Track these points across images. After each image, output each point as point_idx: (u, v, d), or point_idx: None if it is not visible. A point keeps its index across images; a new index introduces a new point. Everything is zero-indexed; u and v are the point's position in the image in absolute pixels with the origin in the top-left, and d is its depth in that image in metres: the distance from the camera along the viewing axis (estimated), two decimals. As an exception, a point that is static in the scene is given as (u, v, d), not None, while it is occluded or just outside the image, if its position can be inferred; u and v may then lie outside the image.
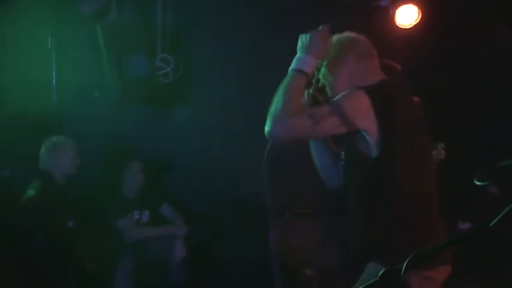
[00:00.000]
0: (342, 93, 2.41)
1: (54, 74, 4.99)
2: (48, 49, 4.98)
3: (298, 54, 2.50)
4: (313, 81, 2.63)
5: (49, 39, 4.98)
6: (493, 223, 1.29)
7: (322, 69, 2.59)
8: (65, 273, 4.30)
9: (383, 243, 2.38)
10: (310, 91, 2.64)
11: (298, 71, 2.45)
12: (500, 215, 1.29)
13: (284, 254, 5.09)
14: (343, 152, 2.59)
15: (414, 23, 4.99)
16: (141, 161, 5.24)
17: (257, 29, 5.17)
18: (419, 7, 4.96)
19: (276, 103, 2.41)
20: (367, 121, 2.33)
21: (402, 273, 1.35)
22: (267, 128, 2.40)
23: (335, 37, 2.61)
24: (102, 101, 5.05)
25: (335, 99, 2.42)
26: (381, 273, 1.37)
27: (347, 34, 2.64)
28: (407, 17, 4.99)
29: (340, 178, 2.62)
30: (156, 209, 5.23)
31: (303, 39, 2.51)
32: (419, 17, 4.97)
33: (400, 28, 4.99)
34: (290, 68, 2.49)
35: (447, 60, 5.04)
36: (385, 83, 2.48)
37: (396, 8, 4.99)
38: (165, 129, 5.36)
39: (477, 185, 1.47)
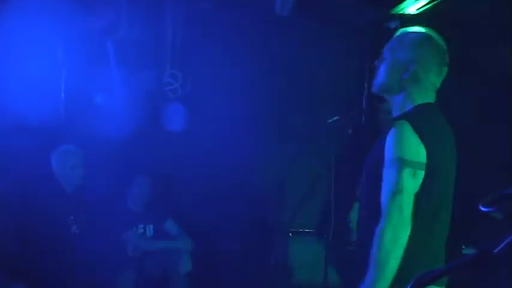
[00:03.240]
0: (392, 140, 2.35)
1: (63, 87, 5.03)
2: (58, 62, 5.02)
3: None
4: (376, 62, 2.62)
5: (59, 52, 5.02)
6: (497, 250, 1.29)
7: (384, 63, 2.55)
8: (64, 279, 4.31)
9: None
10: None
11: None
12: (505, 242, 1.29)
13: (285, 272, 5.09)
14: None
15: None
16: (147, 175, 5.26)
17: (266, 45, 5.20)
18: (429, 30, 4.98)
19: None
20: (421, 152, 2.33)
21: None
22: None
23: (415, 34, 2.55)
24: (110, 114, 5.08)
25: (389, 155, 2.34)
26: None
27: (428, 38, 2.56)
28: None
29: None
30: (161, 224, 5.23)
31: None
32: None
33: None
34: None
35: (454, 84, 5.04)
36: (426, 109, 2.47)
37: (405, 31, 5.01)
38: (171, 143, 5.38)
39: (481, 210, 1.47)
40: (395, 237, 2.28)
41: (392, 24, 5.06)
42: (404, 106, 2.50)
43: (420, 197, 2.35)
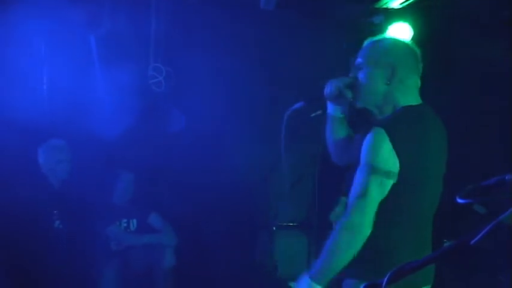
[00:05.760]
0: (367, 146, 2.39)
1: (45, 80, 5.00)
2: (40, 57, 4.99)
3: None
4: (350, 75, 2.63)
5: (42, 46, 4.99)
6: (474, 241, 1.30)
7: (363, 74, 2.56)
8: (48, 274, 4.30)
9: (361, 264, 2.40)
10: (340, 84, 2.63)
11: None
12: (482, 233, 1.30)
13: (270, 265, 5.10)
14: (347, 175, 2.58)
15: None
16: (132, 171, 5.25)
17: (250, 39, 5.20)
18: (412, 25, 5.01)
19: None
20: (392, 161, 2.37)
21: (384, 287, 1.37)
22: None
23: (388, 41, 2.60)
24: (94, 108, 5.06)
25: (362, 160, 2.38)
26: (362, 287, 1.38)
27: (401, 41, 2.61)
28: (399, 35, 5.02)
29: (348, 157, 2.63)
30: (144, 218, 5.23)
31: None
32: (412, 35, 5.01)
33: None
34: None
35: (439, 79, 5.06)
36: (408, 111, 2.48)
37: (389, 26, 5.03)
38: (156, 138, 5.36)
39: (464, 204, 1.48)
40: (350, 239, 2.34)
41: (376, 19, 5.08)
42: (387, 109, 2.52)
43: (403, 198, 2.40)
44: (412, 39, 5.01)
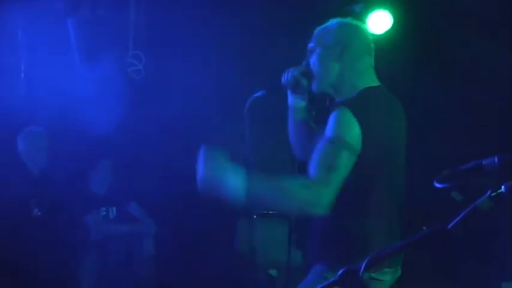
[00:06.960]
0: (334, 121, 2.35)
1: (22, 67, 4.96)
2: (18, 42, 4.94)
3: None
4: (303, 62, 2.61)
5: (19, 33, 4.93)
6: (451, 225, 1.31)
7: (314, 56, 2.55)
8: (25, 262, 4.28)
9: (331, 249, 2.42)
10: (295, 72, 2.61)
11: None
12: (458, 218, 1.31)
13: (250, 254, 5.11)
14: None
15: (386, 30, 5.04)
16: (110, 159, 5.22)
17: (231, 26, 5.18)
18: (392, 14, 5.01)
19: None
20: (356, 140, 2.34)
21: (361, 273, 1.37)
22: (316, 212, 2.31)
23: (337, 21, 2.58)
24: (72, 96, 5.02)
25: (331, 134, 2.34)
26: (340, 272, 1.38)
27: (350, 21, 2.59)
28: (379, 23, 5.03)
29: (309, 150, 2.54)
30: (124, 206, 5.22)
31: None
32: (392, 23, 5.02)
33: (373, 34, 5.02)
34: None
35: (417, 68, 5.08)
36: (369, 93, 2.47)
37: (369, 14, 5.03)
38: (135, 126, 5.33)
39: (441, 191, 1.48)
40: (314, 201, 2.26)
41: (357, 7, 5.07)
42: (345, 91, 2.51)
43: (373, 182, 2.39)
44: (392, 27, 5.03)
